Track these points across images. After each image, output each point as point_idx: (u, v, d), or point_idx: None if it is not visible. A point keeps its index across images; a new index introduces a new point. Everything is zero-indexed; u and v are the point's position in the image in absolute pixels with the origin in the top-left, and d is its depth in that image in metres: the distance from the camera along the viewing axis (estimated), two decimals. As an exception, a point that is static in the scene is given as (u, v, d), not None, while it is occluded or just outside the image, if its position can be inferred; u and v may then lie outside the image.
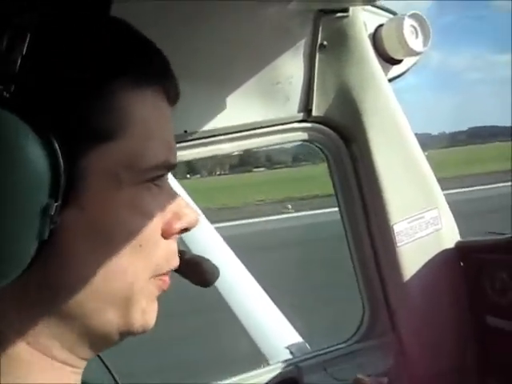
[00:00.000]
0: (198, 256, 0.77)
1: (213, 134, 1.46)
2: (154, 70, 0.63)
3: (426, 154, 1.69)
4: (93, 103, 0.57)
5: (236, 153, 1.58)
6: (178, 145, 1.42)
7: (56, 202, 0.53)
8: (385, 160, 1.56)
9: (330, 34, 1.51)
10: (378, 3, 1.59)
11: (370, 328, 1.69)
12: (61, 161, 0.53)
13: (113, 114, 0.58)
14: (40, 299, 0.59)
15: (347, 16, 1.50)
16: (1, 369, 0.58)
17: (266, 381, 1.56)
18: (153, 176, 0.61)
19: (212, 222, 2.78)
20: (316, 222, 13.73)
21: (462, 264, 1.66)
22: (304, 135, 1.57)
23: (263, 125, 1.51)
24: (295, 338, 2.10)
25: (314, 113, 1.53)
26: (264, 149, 1.62)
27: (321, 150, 1.63)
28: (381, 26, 1.62)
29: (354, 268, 1.69)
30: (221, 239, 2.62)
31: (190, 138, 1.43)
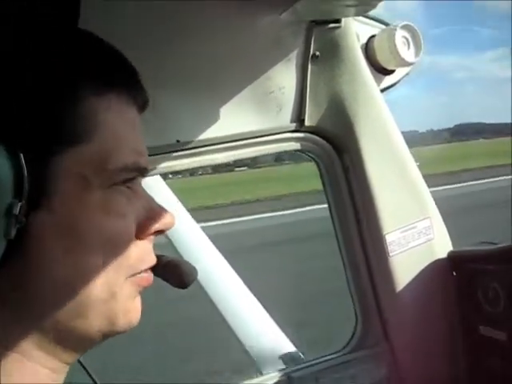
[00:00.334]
0: (176, 258, 0.79)
1: (205, 143, 1.46)
2: (118, 77, 0.66)
3: (418, 164, 1.69)
4: (59, 108, 0.59)
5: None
6: (170, 154, 1.44)
7: (20, 201, 0.55)
8: (377, 170, 1.56)
9: (323, 45, 1.51)
10: (369, 14, 1.60)
11: (363, 338, 1.68)
12: (23, 162, 0.55)
13: (79, 119, 0.60)
14: (15, 303, 0.60)
15: (339, 27, 1.50)
16: None
17: None
18: (123, 178, 0.64)
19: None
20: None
21: (454, 274, 1.66)
22: (296, 145, 1.57)
23: (256, 135, 1.51)
24: (288, 347, 2.08)
25: (307, 123, 1.53)
26: None
27: (313, 159, 1.63)
28: (373, 36, 1.63)
29: (347, 277, 1.69)
30: (210, 243, 2.60)
31: (182, 147, 1.43)
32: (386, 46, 1.59)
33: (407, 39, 1.60)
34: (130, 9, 1.23)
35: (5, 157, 0.55)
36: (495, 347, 1.57)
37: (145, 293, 0.69)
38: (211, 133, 1.45)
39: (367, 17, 1.63)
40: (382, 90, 1.65)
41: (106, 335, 0.65)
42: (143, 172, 0.68)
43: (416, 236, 1.61)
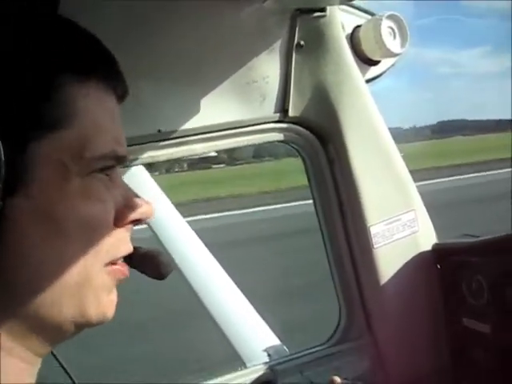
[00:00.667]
0: (153, 250, 0.78)
1: (187, 133, 1.43)
2: (98, 66, 0.66)
3: (402, 154, 1.68)
4: (40, 96, 0.59)
5: (210, 152, 1.56)
6: (152, 144, 1.42)
7: None
8: (361, 161, 1.55)
9: (307, 34, 1.49)
10: (355, 3, 1.59)
11: (347, 331, 1.68)
12: (0, 146, 0.55)
13: (57, 105, 0.60)
14: None
15: (324, 16, 1.48)
16: None
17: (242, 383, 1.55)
18: (101, 166, 0.64)
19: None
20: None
21: (438, 266, 1.66)
22: (280, 136, 1.55)
23: (239, 125, 1.49)
24: (273, 340, 2.08)
25: (291, 113, 1.52)
26: None
27: (297, 150, 1.62)
28: (358, 26, 1.62)
29: (331, 270, 1.68)
30: (196, 236, 2.59)
31: (163, 137, 1.41)
32: (372, 36, 1.57)
33: (393, 29, 1.59)
34: None
35: None
36: (479, 339, 1.57)
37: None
38: (193, 123, 1.42)
39: (352, 6, 1.61)
40: (368, 81, 1.64)
41: (79, 326, 0.64)
42: (121, 161, 0.68)
43: (400, 228, 1.60)
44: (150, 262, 0.77)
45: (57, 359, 0.76)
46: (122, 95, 0.71)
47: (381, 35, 1.56)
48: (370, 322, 1.66)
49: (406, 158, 1.65)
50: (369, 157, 1.56)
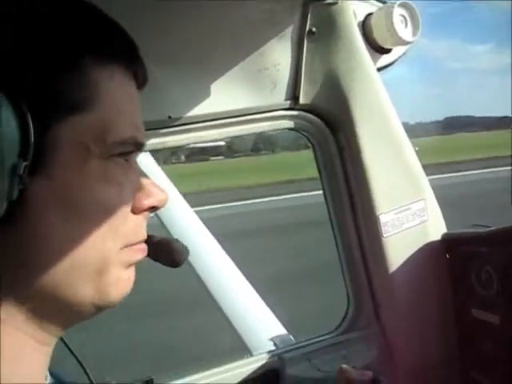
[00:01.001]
0: (167, 237, 0.79)
1: (198, 120, 1.43)
2: (120, 49, 0.66)
3: (417, 149, 1.67)
4: (63, 77, 0.59)
5: (221, 140, 1.55)
6: (161, 130, 1.42)
7: (25, 161, 0.55)
8: (372, 150, 1.54)
9: (319, 21, 1.48)
10: (367, -10, 1.57)
11: (355, 319, 1.68)
12: (30, 122, 0.55)
13: (82, 88, 0.60)
14: (8, 270, 0.59)
15: (336, 3, 1.48)
16: None
17: (249, 372, 1.55)
18: (121, 151, 0.64)
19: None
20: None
21: (447, 256, 1.65)
22: (290, 123, 1.55)
23: (249, 112, 1.49)
24: (279, 329, 2.08)
25: (301, 101, 1.51)
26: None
27: (307, 138, 1.61)
28: (370, 14, 1.60)
29: (340, 258, 1.67)
30: (204, 228, 2.60)
31: (174, 123, 1.41)
32: (383, 23, 1.56)
33: (405, 17, 1.57)
34: None
35: (12, 115, 0.54)
36: (488, 330, 1.56)
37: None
38: (203, 109, 1.42)
39: (364, -6, 1.60)
40: (379, 69, 1.62)
41: (98, 307, 0.64)
42: (140, 147, 0.68)
43: (410, 217, 1.59)
44: (163, 249, 0.77)
45: (66, 344, 0.77)
46: (142, 82, 0.72)
47: (392, 23, 1.54)
48: (379, 311, 1.65)
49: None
50: (379, 145, 1.55)
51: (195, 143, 1.51)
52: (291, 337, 1.98)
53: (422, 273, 1.62)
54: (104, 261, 0.62)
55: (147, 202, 0.68)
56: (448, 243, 1.64)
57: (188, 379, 1.50)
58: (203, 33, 1.38)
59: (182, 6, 1.31)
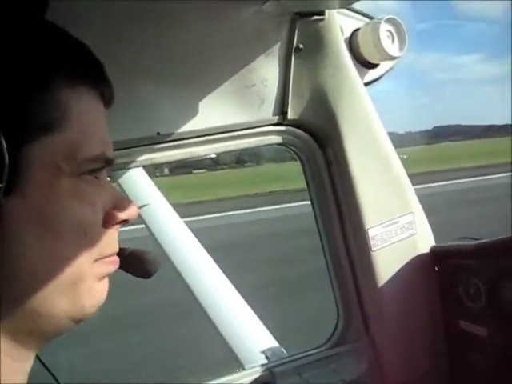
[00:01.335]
0: (138, 249, 0.80)
1: (186, 136, 1.44)
2: (87, 70, 0.68)
3: (405, 157, 1.68)
4: (35, 98, 0.61)
5: (210, 155, 1.56)
6: (150, 147, 1.43)
7: (0, 183, 0.57)
8: (360, 164, 1.55)
9: (306, 37, 1.49)
10: (354, 7, 1.59)
11: (345, 333, 1.68)
12: (4, 144, 0.57)
13: (53, 108, 0.62)
14: None
15: (323, 19, 1.49)
16: None
17: None
18: (91, 168, 0.66)
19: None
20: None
21: (436, 269, 1.66)
22: (278, 138, 1.56)
23: (238, 127, 1.50)
24: (271, 342, 2.08)
25: (290, 116, 1.52)
26: None
27: (296, 153, 1.62)
28: (357, 30, 1.62)
29: (329, 272, 1.68)
30: (193, 237, 2.60)
31: (162, 140, 1.41)
32: (370, 39, 1.57)
33: (391, 33, 1.59)
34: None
35: None
36: (476, 342, 1.57)
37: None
38: (192, 125, 1.43)
39: (351, 10, 1.61)
40: (366, 84, 1.63)
41: (74, 320, 0.66)
42: (110, 163, 0.70)
43: (399, 231, 1.60)
44: (135, 260, 0.79)
45: (40, 360, 0.77)
46: (108, 100, 0.73)
47: (379, 38, 1.56)
48: (368, 324, 1.66)
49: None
50: (367, 159, 1.56)
51: (184, 159, 1.51)
52: (283, 349, 1.99)
53: (410, 285, 1.63)
54: (78, 274, 0.64)
55: (119, 216, 0.70)
56: (436, 256, 1.65)
57: None
58: (191, 49, 1.39)
59: (169, 22, 1.32)
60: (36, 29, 0.65)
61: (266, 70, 1.49)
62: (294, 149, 1.61)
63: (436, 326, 1.67)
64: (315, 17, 1.48)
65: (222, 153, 1.54)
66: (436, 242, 1.68)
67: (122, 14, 1.25)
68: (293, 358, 1.64)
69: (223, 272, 2.47)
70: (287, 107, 1.52)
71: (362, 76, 1.60)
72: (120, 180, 2.63)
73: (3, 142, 0.57)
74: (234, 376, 1.58)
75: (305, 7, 1.45)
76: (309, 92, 1.53)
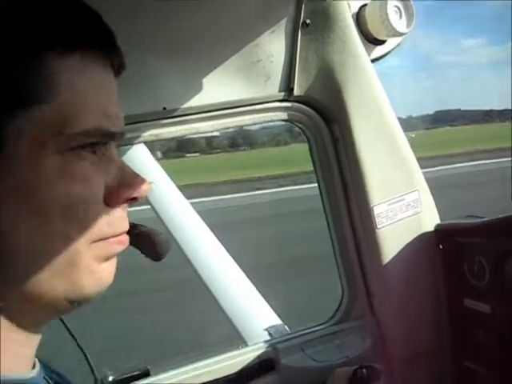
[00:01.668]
0: (150, 229, 0.78)
1: (192, 111, 1.43)
2: (83, 36, 0.63)
3: (413, 135, 1.68)
4: (19, 68, 0.58)
5: (215, 132, 1.56)
6: (156, 122, 1.42)
7: None
8: (366, 141, 1.54)
9: (313, 13, 1.48)
10: (361, -18, 1.57)
11: (349, 310, 1.69)
12: None
13: (39, 79, 0.59)
14: None
15: None
16: None
17: (244, 362, 1.56)
18: (84, 143, 0.61)
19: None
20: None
21: (440, 247, 1.67)
22: (284, 115, 1.55)
23: (243, 103, 1.49)
24: (274, 319, 2.09)
25: (296, 92, 1.51)
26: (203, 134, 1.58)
27: (301, 130, 1.61)
28: (364, 5, 1.60)
29: (334, 249, 1.68)
30: (198, 217, 2.59)
31: (168, 115, 1.41)
32: (378, 15, 1.56)
33: (399, 8, 1.57)
34: None
35: None
36: (479, 320, 1.58)
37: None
38: (198, 101, 1.42)
39: (359, -15, 1.59)
40: (373, 61, 1.62)
41: (72, 301, 0.63)
42: (111, 137, 0.66)
43: (404, 208, 1.60)
44: (145, 240, 0.76)
45: (65, 325, 0.77)
46: (118, 67, 0.69)
47: (387, 14, 1.54)
48: (372, 301, 1.67)
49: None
50: (373, 136, 1.55)
51: (189, 135, 1.51)
52: (286, 327, 1.99)
53: (415, 263, 1.64)
54: (74, 255, 0.61)
55: (125, 195, 0.66)
56: (441, 234, 1.65)
57: (183, 369, 1.51)
58: (198, 25, 1.37)
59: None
60: None
61: (273, 46, 1.48)
62: (299, 125, 1.60)
63: (440, 303, 1.68)
64: (322, -8, 1.46)
65: (228, 129, 1.53)
66: (440, 220, 1.68)
67: None
68: (296, 334, 1.65)
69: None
70: (293, 83, 1.51)
71: (368, 52, 1.59)
72: (123, 157, 2.62)
73: None
74: (237, 352, 1.59)
75: (312, -18, 1.44)
76: (315, 68, 1.52)
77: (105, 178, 0.64)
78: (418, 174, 1.63)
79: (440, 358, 1.70)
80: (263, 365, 1.57)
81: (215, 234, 2.53)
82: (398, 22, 1.57)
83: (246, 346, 1.68)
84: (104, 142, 0.64)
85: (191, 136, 1.51)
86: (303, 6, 1.46)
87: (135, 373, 1.49)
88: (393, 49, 1.68)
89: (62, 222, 0.60)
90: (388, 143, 1.57)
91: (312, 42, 1.50)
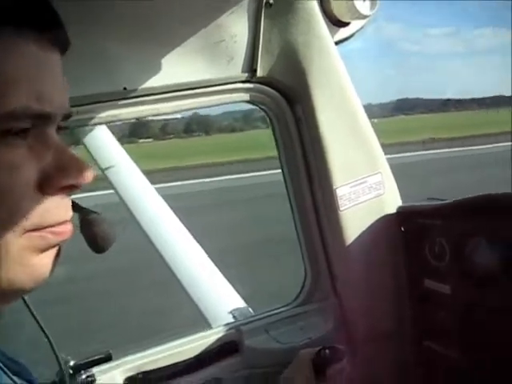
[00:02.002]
0: (93, 217, 0.74)
1: (153, 92, 1.41)
2: (17, 10, 0.58)
3: (376, 121, 1.68)
4: None
5: (176, 114, 1.53)
6: (115, 102, 1.39)
7: None
8: (329, 123, 1.54)
9: None
10: (325, -37, 1.56)
11: (312, 291, 1.70)
12: None
13: None
14: None
15: None
16: None
17: (207, 344, 1.56)
18: (12, 128, 0.57)
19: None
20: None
21: (402, 229, 1.68)
22: (247, 96, 1.54)
23: (205, 84, 1.47)
24: (238, 302, 2.10)
25: (259, 73, 1.50)
26: (159, 118, 1.55)
27: (264, 111, 1.60)
28: (328, -13, 1.59)
29: (297, 232, 1.69)
30: (162, 201, 2.58)
31: (128, 95, 1.38)
32: (342, -4, 1.55)
33: (363, -9, 1.57)
34: None
35: None
36: (439, 300, 1.61)
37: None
38: (159, 81, 1.39)
39: (323, -34, 1.58)
40: (337, 43, 1.62)
41: (10, 293, 0.61)
42: (48, 118, 0.61)
43: (366, 191, 1.61)
44: (87, 230, 0.72)
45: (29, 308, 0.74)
46: (61, 46, 0.64)
47: (351, -4, 1.54)
48: (335, 282, 1.68)
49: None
50: (336, 117, 1.55)
51: (150, 116, 1.48)
52: (250, 309, 2.00)
53: (377, 245, 1.65)
54: (3, 246, 0.57)
55: (62, 181, 0.61)
56: (403, 216, 1.67)
57: (146, 353, 1.50)
58: (160, 4, 1.34)
59: None
60: None
61: (236, 27, 1.46)
62: (262, 107, 1.59)
63: (401, 284, 1.70)
64: (286, -28, 1.45)
65: (190, 110, 1.51)
66: (403, 202, 1.70)
67: None
68: (260, 316, 1.66)
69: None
70: (256, 64, 1.49)
71: (332, 34, 1.58)
72: (85, 140, 2.58)
73: None
74: (201, 334, 1.58)
75: (275, -38, 1.42)
76: (279, 49, 1.50)
77: (39, 164, 0.60)
78: (380, 157, 1.64)
79: (401, 338, 1.72)
80: (227, 347, 1.58)
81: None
82: (362, 5, 1.56)
83: (211, 328, 1.67)
84: (38, 125, 0.60)
85: (152, 118, 1.49)
86: None
87: (97, 357, 1.47)
88: (357, 31, 1.68)
89: None
90: (351, 125, 1.58)
91: (275, 22, 1.49)
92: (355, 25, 1.66)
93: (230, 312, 1.90)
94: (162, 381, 1.48)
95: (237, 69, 1.49)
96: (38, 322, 1.18)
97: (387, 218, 1.65)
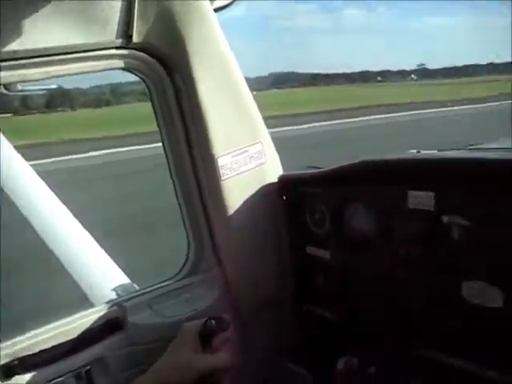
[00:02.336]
0: None
1: (17, 56, 1.29)
2: None
3: (255, 93, 1.68)
4: None
5: (45, 79, 1.43)
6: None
7: None
8: (209, 92, 1.52)
9: None
10: None
11: (196, 263, 1.69)
12: None
13: None
14: None
15: None
16: None
17: (90, 323, 1.50)
18: None
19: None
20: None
21: (284, 197, 1.71)
22: (122, 63, 1.46)
23: (79, 49, 1.37)
24: (122, 278, 2.04)
25: (135, 39, 1.43)
26: (20, 94, 1.46)
27: (143, 80, 1.55)
28: (208, -50, 1.55)
29: (179, 203, 1.66)
30: (41, 181, 2.44)
31: None
32: (220, -39, 1.52)
33: (239, -42, 1.55)
34: None
35: None
36: (320, 266, 1.66)
37: None
38: (24, 44, 1.28)
39: None
40: (216, 10, 1.59)
41: None
42: None
43: (248, 160, 1.61)
44: None
45: None
46: None
47: (227, -37, 1.52)
48: (218, 253, 1.68)
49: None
50: (216, 87, 1.53)
51: (22, 82, 1.37)
52: (135, 285, 1.96)
53: (259, 214, 1.67)
54: None
55: None
56: (284, 184, 1.70)
57: (30, 334, 1.42)
58: None
59: None
60: None
61: None
62: (139, 75, 1.53)
63: (283, 252, 1.73)
64: None
65: (63, 76, 1.41)
66: (284, 171, 1.72)
67: None
68: (143, 291, 1.62)
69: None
70: (132, 30, 1.42)
71: (211, 1, 1.55)
72: None
73: None
74: (83, 313, 1.52)
75: None
76: (155, 14, 1.44)
77: None
78: (261, 126, 1.65)
79: (285, 305, 1.76)
80: (110, 324, 1.53)
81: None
82: (240, -28, 1.55)
83: (93, 306, 1.61)
84: None
85: (11, 93, 1.38)
86: None
87: None
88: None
89: None
90: (231, 94, 1.56)
91: None
92: (233, -8, 1.64)
93: (114, 289, 1.85)
94: (41, 366, 1.41)
95: (112, 34, 1.41)
96: None
97: (268, 187, 1.67)
